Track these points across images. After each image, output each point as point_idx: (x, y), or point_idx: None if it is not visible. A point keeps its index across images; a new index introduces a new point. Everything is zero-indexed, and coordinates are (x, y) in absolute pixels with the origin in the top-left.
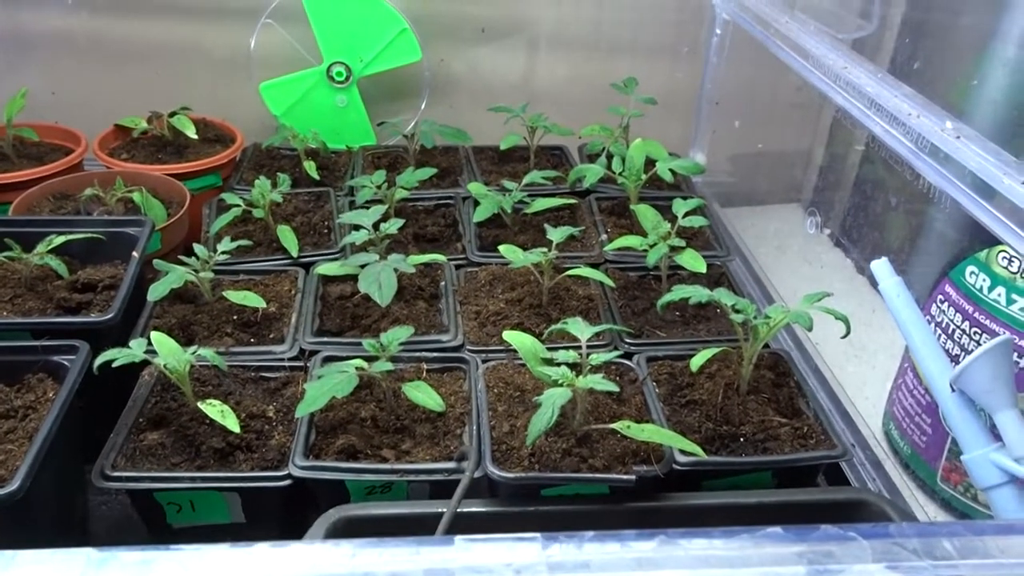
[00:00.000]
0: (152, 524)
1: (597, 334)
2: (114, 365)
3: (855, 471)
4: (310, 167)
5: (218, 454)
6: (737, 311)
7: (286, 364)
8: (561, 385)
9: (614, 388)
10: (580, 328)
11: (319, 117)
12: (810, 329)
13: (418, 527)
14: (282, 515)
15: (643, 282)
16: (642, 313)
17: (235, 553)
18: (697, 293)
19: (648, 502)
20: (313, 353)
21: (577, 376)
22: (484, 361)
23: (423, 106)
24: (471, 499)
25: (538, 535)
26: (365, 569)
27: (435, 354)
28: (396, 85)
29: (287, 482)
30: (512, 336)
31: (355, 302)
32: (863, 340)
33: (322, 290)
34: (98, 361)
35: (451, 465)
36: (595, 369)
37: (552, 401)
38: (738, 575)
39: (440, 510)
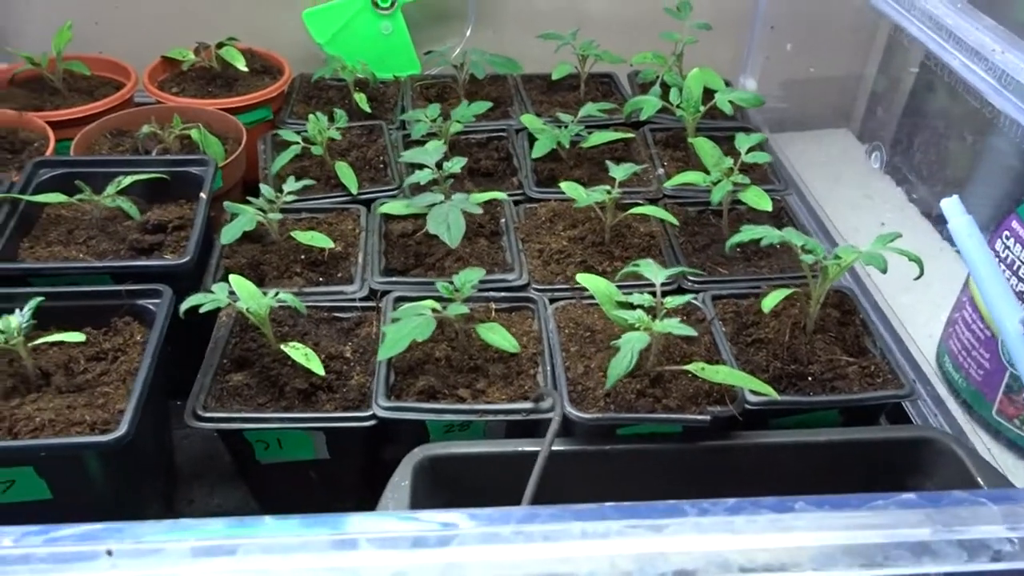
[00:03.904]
0: (241, 460)
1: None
2: (201, 311)
3: (914, 405)
4: (361, 100)
5: (301, 394)
6: (807, 251)
7: (358, 304)
8: (638, 329)
9: (692, 332)
10: (653, 271)
11: (363, 45)
12: (885, 271)
13: (499, 465)
14: (363, 450)
15: (702, 217)
16: (703, 249)
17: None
18: (769, 234)
19: (720, 440)
20: (384, 293)
21: (653, 320)
22: (551, 301)
23: (468, 32)
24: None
25: (686, 505)
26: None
27: (502, 294)
28: (440, 10)
29: (372, 422)
30: (586, 279)
31: (417, 240)
32: (912, 272)
33: (384, 228)
34: (184, 306)
35: (529, 405)
36: (670, 312)
37: (631, 346)
38: (869, 536)
39: (520, 448)
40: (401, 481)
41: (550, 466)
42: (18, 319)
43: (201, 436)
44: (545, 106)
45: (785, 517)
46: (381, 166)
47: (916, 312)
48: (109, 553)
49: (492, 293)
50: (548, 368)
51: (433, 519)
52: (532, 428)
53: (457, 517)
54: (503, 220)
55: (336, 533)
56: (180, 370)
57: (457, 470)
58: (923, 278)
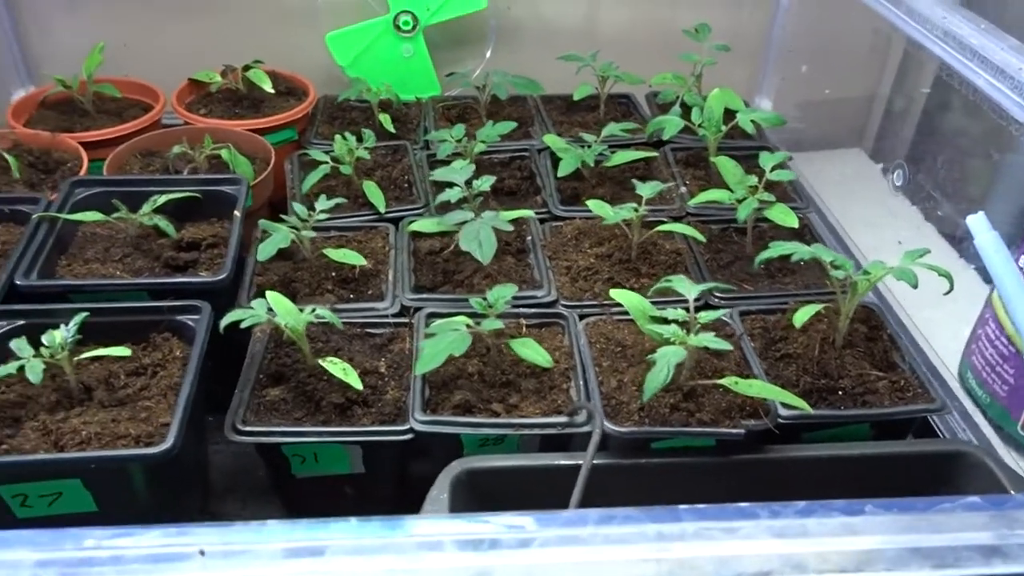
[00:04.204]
0: (276, 474)
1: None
2: (242, 327)
3: (941, 420)
4: (385, 120)
5: (338, 409)
6: (836, 267)
7: (390, 320)
8: (673, 343)
9: (728, 347)
10: (686, 287)
11: (385, 67)
12: (916, 286)
13: (536, 478)
14: (397, 465)
15: (725, 235)
16: (727, 266)
17: None
18: (799, 250)
19: (754, 454)
20: (416, 310)
21: (687, 334)
22: (581, 317)
23: (488, 54)
24: (583, 452)
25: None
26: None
27: (532, 310)
28: (459, 33)
29: (409, 436)
30: (620, 294)
31: (445, 257)
32: (932, 288)
33: (412, 246)
34: (224, 322)
35: (564, 419)
36: (705, 327)
37: (667, 360)
38: (938, 538)
39: (556, 462)
40: (440, 494)
41: (590, 480)
42: (63, 334)
43: (231, 451)
44: (565, 126)
45: (855, 520)
46: (406, 185)
47: (936, 329)
48: (202, 553)
49: (522, 309)
50: (581, 383)
51: (504, 522)
52: (565, 442)
53: (526, 520)
54: (529, 238)
55: (417, 535)
56: (212, 385)
57: (494, 483)
58: (944, 294)
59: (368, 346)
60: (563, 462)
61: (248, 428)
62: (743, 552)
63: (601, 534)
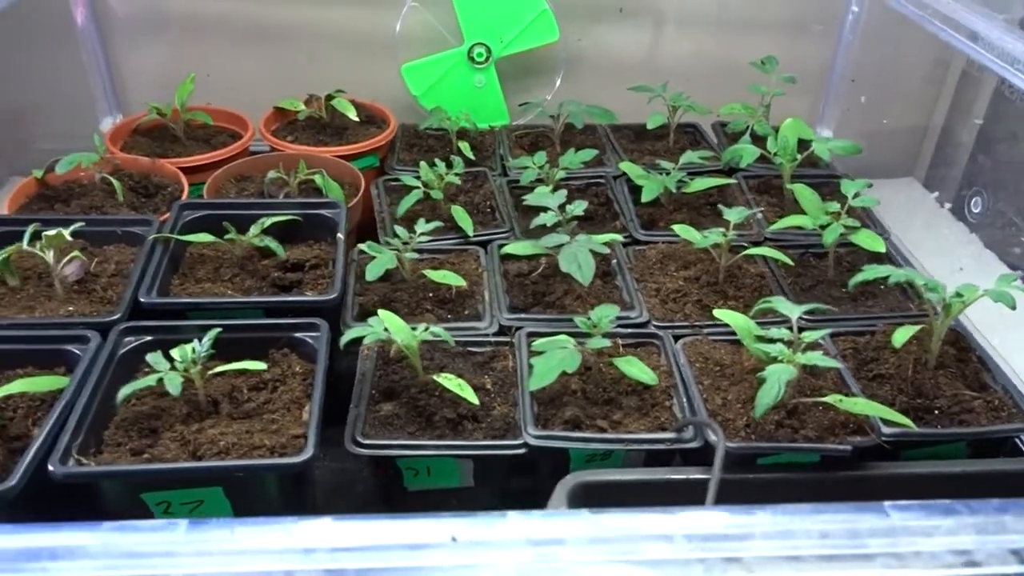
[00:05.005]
0: (388, 487)
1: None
2: (365, 342)
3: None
4: (465, 148)
5: (450, 424)
6: (930, 289)
7: (491, 339)
8: (780, 362)
9: (836, 364)
10: (788, 307)
11: (457, 97)
12: (1014, 308)
13: (649, 492)
14: (506, 478)
15: (803, 259)
16: (809, 290)
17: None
18: (895, 273)
19: (858, 471)
20: (516, 329)
21: (793, 353)
22: (675, 338)
23: (557, 84)
24: (691, 467)
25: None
26: None
27: (626, 330)
28: (528, 64)
29: (522, 450)
30: (725, 314)
31: (534, 279)
32: (996, 314)
33: (502, 268)
34: (345, 338)
35: (671, 435)
36: (810, 346)
37: (777, 377)
38: None
39: (667, 476)
40: (559, 505)
41: (692, 494)
42: (196, 348)
43: (329, 468)
44: (636, 154)
45: None
46: (488, 210)
47: (1011, 351)
48: (454, 539)
49: (617, 330)
50: (683, 400)
51: (722, 520)
52: (668, 458)
53: (721, 516)
54: (614, 261)
55: (647, 528)
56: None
57: (608, 496)
58: (1010, 320)
59: (471, 364)
60: (674, 477)
61: (368, 441)
62: (950, 547)
63: (816, 529)
